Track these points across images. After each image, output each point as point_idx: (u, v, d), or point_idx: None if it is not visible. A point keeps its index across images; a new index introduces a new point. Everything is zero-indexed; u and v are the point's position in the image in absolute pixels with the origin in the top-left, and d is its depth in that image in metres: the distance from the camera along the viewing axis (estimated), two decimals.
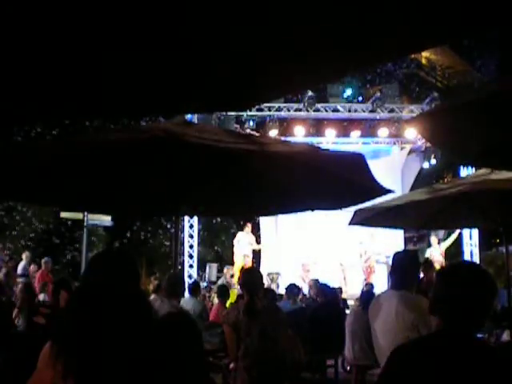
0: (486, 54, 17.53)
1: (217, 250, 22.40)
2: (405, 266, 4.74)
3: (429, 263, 9.94)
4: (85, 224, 17.70)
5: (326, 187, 5.96)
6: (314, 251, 18.00)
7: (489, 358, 2.19)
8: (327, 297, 9.26)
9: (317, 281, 11.28)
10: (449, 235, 16.98)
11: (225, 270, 17.40)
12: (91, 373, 2.22)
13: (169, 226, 22.56)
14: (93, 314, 2.28)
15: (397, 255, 4.91)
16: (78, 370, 2.16)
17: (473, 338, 2.31)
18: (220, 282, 16.19)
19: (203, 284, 16.58)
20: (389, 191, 6.14)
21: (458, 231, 16.65)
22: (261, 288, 5.68)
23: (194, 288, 9.55)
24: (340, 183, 5.80)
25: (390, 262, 5.04)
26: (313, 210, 7.91)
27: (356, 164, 5.41)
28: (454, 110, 4.27)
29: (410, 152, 20.64)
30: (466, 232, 18.63)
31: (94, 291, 2.33)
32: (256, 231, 19.23)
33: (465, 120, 4.15)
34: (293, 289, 9.93)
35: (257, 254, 19.00)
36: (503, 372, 2.13)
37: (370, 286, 11.77)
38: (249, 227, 17.61)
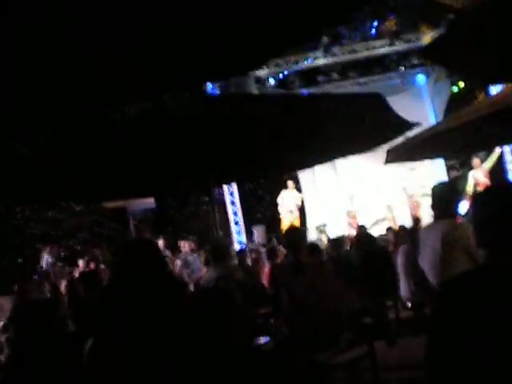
0: None
1: (263, 212, 22.39)
2: (444, 198, 4.68)
3: None
4: (128, 211, 17.85)
5: (353, 131, 5.90)
6: (358, 196, 17.93)
7: None
8: (365, 246, 9.24)
9: (363, 227, 11.23)
10: (489, 156, 16.67)
11: None
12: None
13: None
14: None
15: (434, 188, 4.85)
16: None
17: None
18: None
19: (252, 248, 16.65)
20: (415, 124, 6.06)
21: (498, 150, 16.30)
22: (303, 245, 5.70)
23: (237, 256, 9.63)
24: (365, 125, 5.73)
25: None
26: (345, 155, 7.86)
27: (375, 103, 5.34)
28: (467, 30, 4.12)
29: (437, 79, 20.23)
30: (506, 149, 18.26)
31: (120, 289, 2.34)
32: (297, 186, 19.20)
33: (482, 38, 4.01)
34: (334, 241, 9.91)
35: (301, 210, 18.98)
36: None
37: (417, 221, 11.69)
38: (292, 184, 17.59)
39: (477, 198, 2.35)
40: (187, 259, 13.16)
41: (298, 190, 18.92)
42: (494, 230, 2.19)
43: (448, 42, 4.28)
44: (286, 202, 17.47)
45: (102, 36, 2.57)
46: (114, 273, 2.60)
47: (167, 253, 13.91)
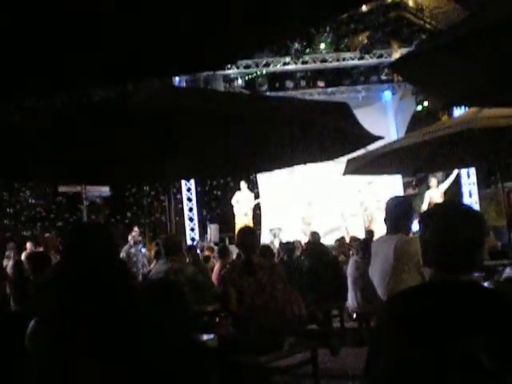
0: None
1: (217, 211, 22.43)
2: (397, 212, 4.73)
3: None
4: (84, 196, 17.65)
5: (314, 139, 5.93)
6: (314, 203, 18.07)
7: (484, 300, 2.13)
8: (317, 253, 9.32)
9: (316, 234, 11.30)
10: (447, 177, 16.95)
11: None
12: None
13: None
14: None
15: (388, 202, 4.90)
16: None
17: (465, 282, 2.23)
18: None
19: (203, 245, 16.66)
20: (378, 138, 6.10)
21: (455, 172, 16.60)
22: (255, 245, 5.72)
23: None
24: (328, 134, 5.76)
25: None
26: (305, 163, 7.89)
27: (341, 113, 5.37)
28: (438, 48, 4.16)
29: (402, 96, 20.54)
30: (463, 172, 18.63)
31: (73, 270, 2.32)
32: (254, 188, 19.28)
33: (451, 59, 4.06)
34: (287, 245, 9.96)
35: (257, 211, 19.08)
36: (500, 315, 2.07)
37: (370, 234, 11.80)
38: (245, 185, 17.68)
39: (424, 217, 2.40)
40: (129, 251, 13.02)
41: (256, 191, 19.01)
42: (439, 250, 2.25)
43: (417, 59, 4.31)
44: (241, 204, 17.55)
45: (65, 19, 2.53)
46: (63, 254, 2.57)
47: None
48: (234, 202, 17.82)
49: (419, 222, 2.39)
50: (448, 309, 2.08)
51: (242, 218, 17.14)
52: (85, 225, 2.52)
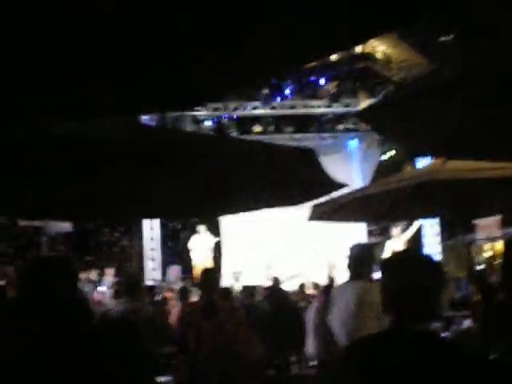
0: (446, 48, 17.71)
1: (179, 253, 22.24)
2: (360, 259, 4.76)
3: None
4: (44, 231, 17.37)
5: (278, 183, 5.95)
6: (276, 248, 18.07)
7: (441, 351, 2.13)
8: (277, 297, 9.31)
9: (277, 279, 11.26)
10: (409, 226, 17.11)
11: None
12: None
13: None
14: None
15: (351, 248, 4.93)
16: None
17: (423, 332, 2.22)
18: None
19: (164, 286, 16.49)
20: (342, 186, 6.15)
21: (418, 222, 16.78)
22: (217, 287, 5.69)
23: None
24: (292, 179, 5.79)
25: None
26: (268, 207, 7.91)
27: (306, 159, 5.40)
28: (403, 100, 4.24)
29: (368, 145, 20.81)
30: (426, 222, 18.80)
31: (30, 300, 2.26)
32: (216, 230, 19.23)
33: (416, 110, 4.13)
34: (249, 289, 9.94)
35: (217, 254, 19.00)
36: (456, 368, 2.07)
37: (331, 281, 11.78)
38: (204, 228, 17.65)
39: (384, 264, 2.42)
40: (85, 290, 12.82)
41: (217, 233, 18.97)
42: (396, 297, 2.26)
43: (384, 109, 4.39)
44: (197, 248, 17.48)
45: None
46: (20, 285, 2.50)
47: None
48: (190, 245, 17.75)
49: (380, 269, 2.40)
50: (404, 359, 2.08)
51: (201, 260, 17.06)
52: (43, 256, 2.46)
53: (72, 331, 2.29)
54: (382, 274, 2.36)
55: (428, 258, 2.39)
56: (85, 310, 2.46)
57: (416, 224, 16.59)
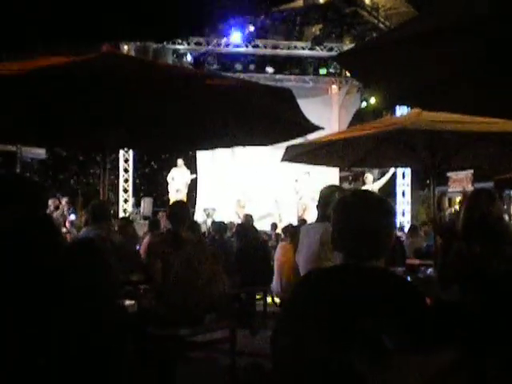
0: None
1: (153, 185, 22.27)
2: (327, 200, 4.81)
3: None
4: (18, 156, 17.23)
5: (254, 122, 5.97)
6: (250, 187, 18.17)
7: (384, 284, 2.23)
8: (247, 234, 9.42)
9: (249, 216, 11.38)
10: (383, 175, 17.27)
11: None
12: None
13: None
14: None
15: (322, 190, 4.99)
16: None
17: (368, 268, 2.32)
18: None
19: (135, 218, 16.60)
20: (317, 128, 6.18)
21: (392, 171, 16.91)
22: (186, 220, 5.73)
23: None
24: (269, 118, 5.81)
25: None
26: (244, 145, 7.94)
27: (284, 99, 5.40)
28: (384, 45, 4.21)
29: (348, 91, 20.78)
30: (399, 172, 19.01)
31: None
32: (193, 167, 19.24)
33: (396, 57, 4.12)
34: (219, 225, 10.03)
35: (193, 189, 19.08)
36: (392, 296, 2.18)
37: (302, 222, 11.95)
38: (181, 162, 17.69)
39: (336, 205, 2.50)
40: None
41: (194, 169, 19.00)
42: (343, 236, 2.36)
43: (363, 54, 4.37)
44: (176, 181, 17.53)
45: None
46: None
47: None
48: (169, 178, 17.80)
49: (333, 212, 2.48)
50: (348, 291, 2.19)
51: (175, 194, 17.13)
52: (10, 175, 2.43)
53: (37, 249, 2.34)
54: (333, 213, 2.44)
55: (375, 198, 2.46)
56: (52, 229, 2.50)
57: (390, 172, 16.74)
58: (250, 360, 6.02)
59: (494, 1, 3.04)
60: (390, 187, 18.80)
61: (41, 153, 18.60)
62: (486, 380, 2.05)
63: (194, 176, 18.33)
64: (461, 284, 3.99)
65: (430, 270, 8.77)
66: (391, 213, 2.41)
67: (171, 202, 16.80)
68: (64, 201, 14.98)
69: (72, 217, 14.43)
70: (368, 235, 2.30)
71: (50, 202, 13.52)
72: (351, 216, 2.35)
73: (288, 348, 2.20)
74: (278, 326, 2.39)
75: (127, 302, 4.39)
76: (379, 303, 2.12)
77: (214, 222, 11.03)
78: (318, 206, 4.97)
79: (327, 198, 4.78)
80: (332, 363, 2.01)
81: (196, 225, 8.24)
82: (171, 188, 17.61)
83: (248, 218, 11.23)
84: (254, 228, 10.42)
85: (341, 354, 2.00)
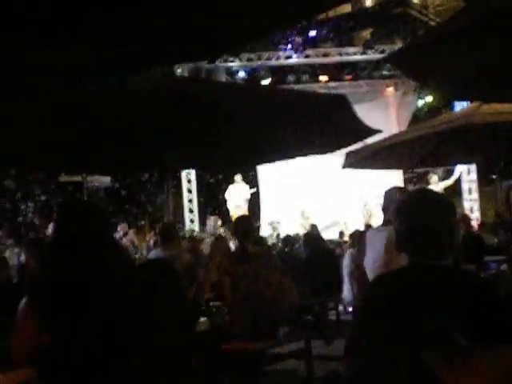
0: None
1: (218, 203, 22.43)
2: (393, 202, 4.74)
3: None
4: (84, 186, 17.60)
5: (313, 131, 5.95)
6: (313, 197, 18.10)
7: (455, 282, 2.20)
8: (314, 244, 9.37)
9: (315, 226, 11.33)
10: (448, 173, 16.97)
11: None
12: (66, 327, 2.24)
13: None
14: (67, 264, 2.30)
15: (386, 192, 4.94)
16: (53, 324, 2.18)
17: (436, 266, 2.29)
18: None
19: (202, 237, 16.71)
20: (375, 131, 6.13)
21: (458, 171, 16.60)
22: (251, 234, 5.75)
23: None
24: (326, 126, 5.79)
25: None
26: (304, 155, 7.92)
27: (340, 105, 5.38)
28: (436, 41, 4.14)
29: (405, 92, 20.53)
30: (464, 168, 18.60)
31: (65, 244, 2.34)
32: (254, 181, 19.33)
33: (449, 52, 4.05)
34: (287, 237, 10.03)
35: (256, 204, 19.14)
36: (467, 295, 2.14)
37: (368, 228, 11.82)
38: (240, 178, 17.76)
39: (397, 206, 2.48)
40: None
41: (256, 184, 19.07)
42: (406, 237, 2.33)
43: (415, 52, 4.32)
44: (234, 197, 17.62)
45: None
46: (54, 230, 2.58)
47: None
48: (227, 195, 17.92)
49: (395, 214, 2.46)
50: (420, 289, 2.16)
51: (235, 210, 17.24)
52: (74, 202, 2.47)
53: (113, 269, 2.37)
54: (395, 215, 2.43)
55: (437, 199, 2.43)
56: (122, 251, 2.54)
57: (457, 171, 16.44)
58: (327, 369, 5.98)
59: None
60: (457, 185, 18.43)
61: (105, 180, 18.96)
62: None
63: (253, 190, 18.36)
64: None
65: (503, 266, 8.58)
66: (452, 211, 2.38)
67: (232, 219, 16.92)
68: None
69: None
70: (431, 234, 2.28)
71: (120, 228, 13.79)
72: (412, 216, 2.33)
73: (364, 350, 2.19)
74: (353, 332, 2.38)
75: (200, 320, 4.42)
76: (451, 301, 2.09)
77: (285, 236, 10.99)
78: (383, 210, 4.92)
79: (389, 200, 4.73)
80: (407, 363, 1.98)
81: (262, 239, 8.26)
82: (230, 205, 17.71)
83: (314, 228, 11.19)
84: (321, 237, 10.38)
85: (415, 353, 1.97)
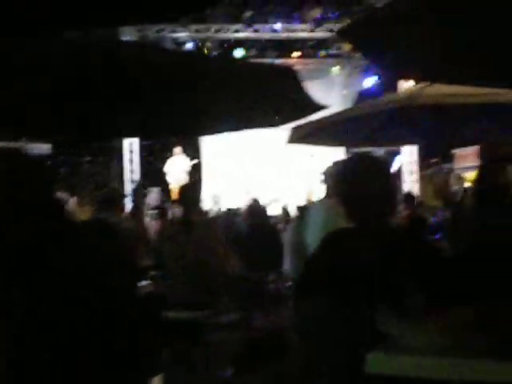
0: None
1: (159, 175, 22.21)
2: (333, 176, 4.79)
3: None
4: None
5: (259, 103, 5.91)
6: (256, 172, 18.16)
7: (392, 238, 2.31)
8: (255, 218, 9.42)
9: (256, 200, 11.30)
10: (390, 154, 17.31)
11: None
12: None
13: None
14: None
15: (327, 167, 4.99)
16: None
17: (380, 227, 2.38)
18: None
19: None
20: (322, 107, 6.14)
21: (398, 162, 17.11)
22: (197, 202, 5.74)
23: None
24: (273, 98, 5.76)
25: None
26: (250, 128, 7.89)
27: (288, 78, 5.36)
28: (389, 18, 4.14)
29: (351, 72, 20.69)
30: (405, 149, 18.88)
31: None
32: (196, 154, 19.23)
33: (402, 29, 4.05)
34: (230, 211, 10.03)
35: (198, 176, 19.07)
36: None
37: (309, 202, 11.91)
38: (179, 150, 17.68)
39: (336, 179, 2.60)
40: None
41: (198, 157, 18.98)
42: (353, 204, 2.40)
43: (368, 26, 4.30)
44: (174, 170, 17.47)
45: None
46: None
47: None
48: (166, 168, 17.73)
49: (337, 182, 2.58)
50: (366, 251, 2.25)
51: (176, 183, 17.09)
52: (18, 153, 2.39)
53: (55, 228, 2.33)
54: (334, 185, 2.54)
55: (373, 163, 2.52)
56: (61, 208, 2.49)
57: (397, 162, 16.85)
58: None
59: None
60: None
61: (46, 147, 18.53)
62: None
63: (194, 162, 18.19)
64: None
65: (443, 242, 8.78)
66: (387, 172, 2.48)
67: (173, 192, 16.77)
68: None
69: None
70: (372, 198, 2.35)
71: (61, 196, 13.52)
72: (353, 183, 2.40)
73: (311, 310, 2.25)
74: (298, 294, 2.44)
75: (143, 283, 4.40)
76: (398, 259, 2.16)
77: (227, 209, 10.96)
78: (324, 185, 4.97)
79: (330, 175, 4.78)
80: (355, 321, 2.03)
81: (205, 211, 8.22)
82: (171, 178, 17.55)
83: (256, 202, 11.15)
84: (263, 211, 10.39)
85: (365, 311, 2.02)
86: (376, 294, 2.10)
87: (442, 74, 4.99)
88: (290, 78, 5.37)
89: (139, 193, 8.58)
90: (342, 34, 6.49)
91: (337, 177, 2.54)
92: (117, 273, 2.63)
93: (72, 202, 14.02)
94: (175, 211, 8.35)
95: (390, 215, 2.45)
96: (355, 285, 2.19)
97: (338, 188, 2.51)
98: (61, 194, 13.99)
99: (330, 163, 5.28)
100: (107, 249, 2.53)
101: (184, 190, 5.92)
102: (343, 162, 2.92)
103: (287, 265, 8.62)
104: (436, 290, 2.13)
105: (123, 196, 7.76)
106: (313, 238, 4.76)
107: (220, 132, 7.98)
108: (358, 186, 2.41)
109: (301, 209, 9.13)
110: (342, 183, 2.49)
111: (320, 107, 6.19)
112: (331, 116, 8.13)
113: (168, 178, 17.67)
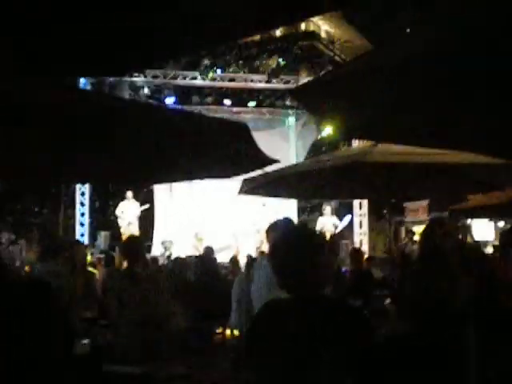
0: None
1: (110, 217, 21.97)
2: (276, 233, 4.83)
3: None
4: None
5: (211, 155, 5.97)
6: (208, 220, 18.12)
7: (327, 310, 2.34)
8: (204, 268, 9.39)
9: (209, 248, 11.24)
10: (341, 205, 17.53)
11: None
12: None
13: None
14: None
15: (276, 222, 5.02)
16: None
17: (319, 297, 2.42)
18: None
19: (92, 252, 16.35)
20: (274, 161, 6.22)
21: (347, 219, 17.53)
22: (140, 256, 5.68)
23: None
24: (225, 151, 5.82)
25: None
26: (201, 178, 7.94)
27: (240, 133, 5.43)
28: (337, 79, 4.24)
29: (305, 123, 20.97)
30: (356, 202, 19.13)
31: None
32: (148, 199, 19.12)
33: (348, 90, 4.15)
34: (179, 259, 9.96)
35: (150, 222, 18.93)
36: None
37: (260, 254, 11.88)
38: (131, 194, 17.55)
39: (274, 248, 2.63)
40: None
41: (150, 201, 18.87)
42: (288, 274, 2.44)
43: (317, 88, 4.40)
44: (125, 214, 17.34)
45: None
46: None
47: None
48: (118, 212, 17.56)
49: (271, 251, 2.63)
50: (304, 322, 2.28)
51: (127, 227, 16.96)
52: None
53: None
54: (273, 255, 2.57)
55: (309, 236, 2.57)
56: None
57: (346, 219, 17.18)
58: None
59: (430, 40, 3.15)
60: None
61: None
62: None
63: (145, 207, 18.05)
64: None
65: (387, 301, 8.82)
66: (321, 249, 2.52)
67: (124, 236, 16.59)
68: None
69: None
70: (295, 271, 2.40)
71: (4, 237, 13.27)
72: (282, 254, 2.46)
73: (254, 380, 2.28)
74: (241, 359, 2.51)
75: (82, 341, 4.31)
76: (334, 334, 2.20)
77: (176, 258, 10.85)
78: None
79: (274, 231, 4.82)
80: None
81: (154, 260, 8.17)
82: (122, 222, 17.41)
83: (208, 251, 11.07)
84: (214, 261, 10.33)
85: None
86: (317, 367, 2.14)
87: (385, 136, 5.12)
88: (245, 134, 5.45)
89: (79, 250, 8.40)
90: (294, 96, 6.64)
91: (271, 248, 2.58)
92: (45, 334, 2.60)
93: (20, 245, 13.78)
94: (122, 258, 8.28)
95: (324, 286, 2.49)
96: (295, 356, 2.22)
97: (270, 259, 2.54)
98: (9, 235, 13.79)
99: (281, 215, 5.34)
100: (37, 310, 2.50)
101: (127, 243, 5.87)
102: (279, 228, 2.95)
103: (233, 317, 8.57)
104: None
105: (70, 244, 7.62)
106: (257, 294, 4.78)
107: (173, 181, 8.01)
108: (289, 258, 2.46)
109: (248, 260, 9.12)
110: (273, 255, 2.53)
111: (272, 161, 6.28)
112: (283, 170, 8.22)
113: (120, 222, 17.48)
